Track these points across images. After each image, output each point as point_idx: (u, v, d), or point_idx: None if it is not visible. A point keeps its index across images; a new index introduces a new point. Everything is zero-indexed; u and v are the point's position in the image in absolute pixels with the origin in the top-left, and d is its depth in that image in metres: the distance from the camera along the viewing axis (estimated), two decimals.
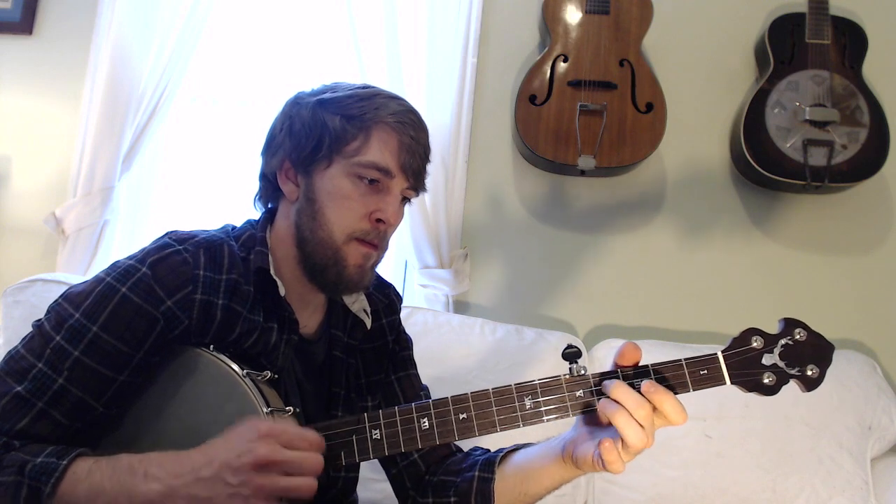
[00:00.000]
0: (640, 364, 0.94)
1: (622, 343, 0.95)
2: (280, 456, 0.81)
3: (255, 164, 1.10)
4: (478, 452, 1.13)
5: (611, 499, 1.77)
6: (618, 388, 0.89)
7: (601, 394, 0.92)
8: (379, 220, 1.00)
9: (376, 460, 1.03)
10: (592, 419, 0.96)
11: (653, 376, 0.92)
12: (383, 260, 1.08)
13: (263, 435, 0.81)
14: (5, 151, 2.17)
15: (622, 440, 0.88)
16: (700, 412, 1.75)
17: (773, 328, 0.97)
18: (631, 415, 0.87)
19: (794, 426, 1.76)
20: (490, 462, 1.07)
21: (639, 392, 0.89)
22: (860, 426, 1.78)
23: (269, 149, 1.07)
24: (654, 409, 0.88)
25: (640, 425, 0.87)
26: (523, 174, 2.19)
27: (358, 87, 1.04)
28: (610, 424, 0.90)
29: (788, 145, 1.98)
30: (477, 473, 1.06)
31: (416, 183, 1.04)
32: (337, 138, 0.99)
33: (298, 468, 0.82)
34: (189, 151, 2.26)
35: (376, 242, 1.01)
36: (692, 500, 1.71)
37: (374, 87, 1.06)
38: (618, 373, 0.93)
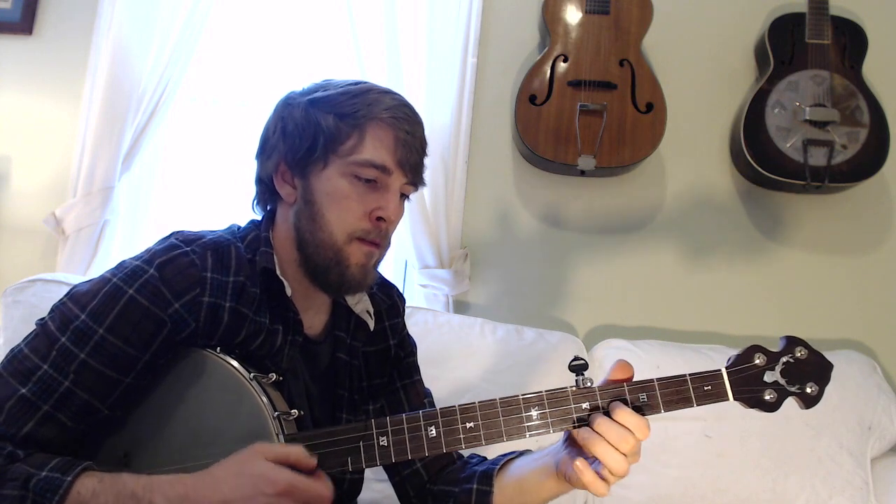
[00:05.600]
0: (646, 378, 0.94)
1: (614, 363, 0.95)
2: None
3: (252, 166, 1.08)
4: (475, 461, 1.13)
5: (610, 499, 1.76)
6: (602, 423, 0.89)
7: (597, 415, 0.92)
8: (379, 219, 0.99)
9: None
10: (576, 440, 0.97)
11: (658, 391, 0.93)
12: (384, 259, 1.07)
13: (282, 492, 0.81)
14: (5, 151, 2.16)
15: (605, 467, 0.89)
16: (700, 412, 1.74)
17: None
18: (610, 444, 0.88)
19: (794, 426, 1.76)
20: (488, 475, 1.07)
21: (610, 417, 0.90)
22: (860, 426, 1.79)
23: (264, 152, 1.05)
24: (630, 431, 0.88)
25: (622, 453, 0.88)
26: (523, 174, 2.19)
27: (349, 84, 1.02)
28: None
29: (788, 145, 1.98)
30: (475, 486, 1.06)
31: (415, 178, 1.03)
32: (331, 138, 0.97)
33: None
34: (189, 151, 2.26)
35: (378, 241, 1.00)
36: (692, 500, 1.72)
37: (365, 83, 1.03)
38: (623, 387, 0.94)
